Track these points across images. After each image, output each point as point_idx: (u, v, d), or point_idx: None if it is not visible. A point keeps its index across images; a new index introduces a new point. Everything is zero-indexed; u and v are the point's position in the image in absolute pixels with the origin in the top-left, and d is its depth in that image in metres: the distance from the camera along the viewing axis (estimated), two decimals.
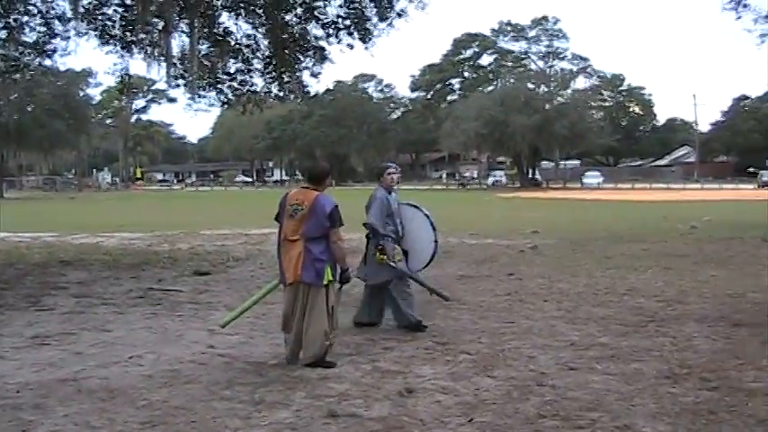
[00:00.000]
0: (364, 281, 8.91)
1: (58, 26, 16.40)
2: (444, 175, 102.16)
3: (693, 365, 7.02)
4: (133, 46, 16.41)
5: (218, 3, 16.43)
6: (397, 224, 8.77)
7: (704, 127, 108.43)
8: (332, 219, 7.14)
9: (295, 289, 7.22)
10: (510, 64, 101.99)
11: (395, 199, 8.86)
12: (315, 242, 7.12)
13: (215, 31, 16.72)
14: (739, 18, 23.94)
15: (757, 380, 6.53)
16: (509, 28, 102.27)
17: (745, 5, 23.47)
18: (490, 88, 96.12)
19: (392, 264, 8.57)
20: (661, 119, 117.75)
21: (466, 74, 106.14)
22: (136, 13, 15.48)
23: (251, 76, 17.49)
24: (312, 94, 19.31)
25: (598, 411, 5.77)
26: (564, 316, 9.59)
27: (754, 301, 10.44)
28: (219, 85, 17.58)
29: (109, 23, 16.14)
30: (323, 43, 16.83)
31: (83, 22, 15.82)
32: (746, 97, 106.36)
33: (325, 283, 7.12)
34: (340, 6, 16.47)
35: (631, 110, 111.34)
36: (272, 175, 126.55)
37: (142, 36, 15.93)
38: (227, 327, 7.89)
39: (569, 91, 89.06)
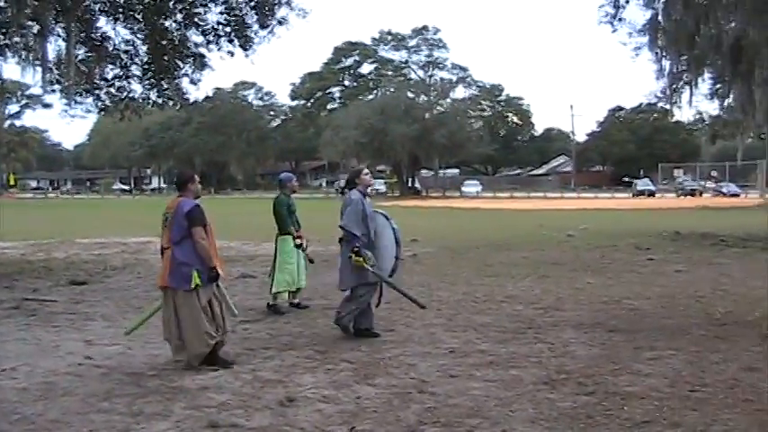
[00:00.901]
0: (342, 290, 9.02)
1: None
2: (324, 183, 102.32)
3: (571, 371, 7.27)
4: (7, 49, 15.89)
5: (96, 7, 16.05)
6: (370, 229, 8.83)
7: (581, 137, 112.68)
8: (190, 218, 7.23)
9: (167, 295, 7.36)
10: (390, 73, 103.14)
11: (369, 203, 8.94)
12: (180, 246, 7.23)
13: (92, 35, 16.37)
14: (615, 31, 25.15)
15: (632, 384, 6.82)
16: (390, 37, 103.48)
17: (620, 19, 24.66)
18: (370, 97, 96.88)
19: (369, 267, 8.66)
20: (539, 129, 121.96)
21: (346, 82, 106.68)
22: (9, 15, 14.91)
23: (129, 83, 17.30)
24: (191, 101, 19.09)
25: (478, 418, 5.90)
26: (444, 324, 9.76)
27: (629, 308, 10.91)
28: (97, 91, 17.27)
29: None
30: (203, 50, 16.79)
31: None
32: (621, 108, 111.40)
33: (192, 286, 7.18)
34: (221, 13, 16.35)
35: (510, 120, 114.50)
36: (150, 182, 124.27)
37: (16, 40, 15.39)
38: (131, 333, 7.96)
39: (449, 100, 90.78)
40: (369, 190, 9.13)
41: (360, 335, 8.89)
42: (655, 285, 12.99)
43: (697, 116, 43.45)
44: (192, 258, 7.22)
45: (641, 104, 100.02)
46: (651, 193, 76.79)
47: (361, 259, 8.62)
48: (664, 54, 23.27)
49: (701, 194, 75.55)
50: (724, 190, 76.42)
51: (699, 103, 67.83)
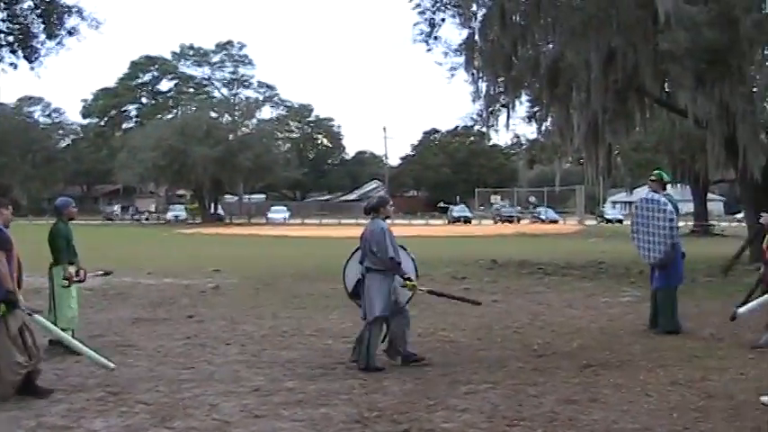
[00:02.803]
0: (363, 319, 9.34)
1: None
2: (118, 209, 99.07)
3: (384, 408, 7.40)
4: None
5: None
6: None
7: (394, 161, 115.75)
8: None
9: None
10: (192, 90, 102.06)
11: None
12: None
13: None
14: (430, 50, 26.05)
15: (448, 420, 7.02)
16: (191, 52, 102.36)
17: (435, 38, 25.60)
18: (170, 116, 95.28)
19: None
20: (350, 152, 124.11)
21: (143, 100, 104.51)
22: None
23: None
24: None
25: None
26: (248, 360, 9.70)
27: (444, 340, 11.25)
28: None
29: None
30: None
31: None
32: (437, 131, 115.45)
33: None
34: (2, 21, 15.61)
35: (320, 142, 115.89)
36: None
37: None
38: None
39: (255, 121, 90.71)
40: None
41: (410, 359, 9.40)
42: (471, 316, 13.38)
43: (514, 140, 45.44)
44: None
45: (457, 127, 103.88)
46: (467, 220, 79.65)
47: (414, 283, 9.38)
48: (480, 75, 24.28)
49: (518, 221, 79.17)
50: (542, 216, 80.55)
51: (516, 127, 71.40)
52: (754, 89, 21.93)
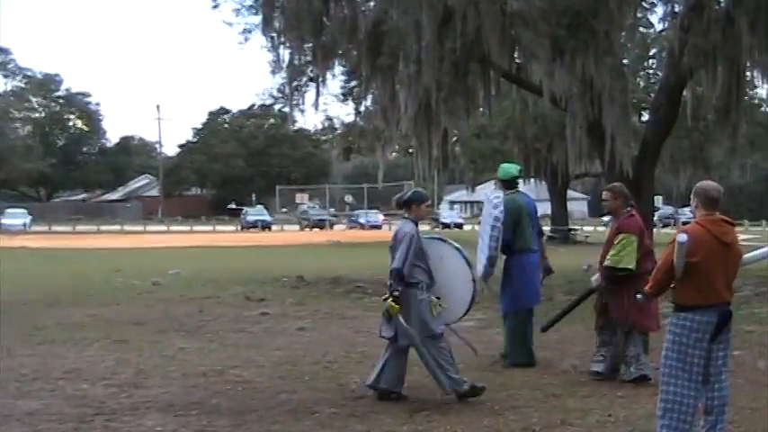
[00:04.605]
0: (388, 339, 9.91)
1: None
2: None
3: None
4: None
5: None
6: (429, 265, 9.82)
7: (171, 149, 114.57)
8: None
9: None
10: None
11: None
12: None
13: None
14: (217, 7, 25.68)
15: None
16: None
17: None
18: None
19: (434, 313, 9.78)
20: (113, 137, 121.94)
21: None
22: None
23: None
24: None
25: None
26: None
27: (236, 380, 11.15)
28: None
29: None
30: None
31: None
32: (226, 111, 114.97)
33: None
34: None
35: (72, 124, 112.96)
36: None
37: None
38: None
39: None
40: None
41: (471, 394, 9.75)
42: (271, 349, 13.40)
43: (326, 123, 45.60)
44: None
45: (253, 106, 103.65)
46: (266, 225, 79.73)
47: (396, 307, 9.56)
48: (282, 40, 24.21)
49: (332, 226, 79.87)
50: (362, 220, 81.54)
51: (328, 107, 71.73)
52: (625, 61, 22.81)
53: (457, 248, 10.25)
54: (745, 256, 7.83)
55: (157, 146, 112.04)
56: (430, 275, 9.89)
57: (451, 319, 10.25)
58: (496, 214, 11.58)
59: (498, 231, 11.52)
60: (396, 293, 9.60)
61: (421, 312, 9.70)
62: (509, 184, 12.38)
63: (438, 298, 9.87)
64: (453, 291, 10.12)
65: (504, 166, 12.69)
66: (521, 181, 13.28)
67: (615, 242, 10.71)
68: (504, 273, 12.25)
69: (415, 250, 9.70)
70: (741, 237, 10.21)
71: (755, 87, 34.19)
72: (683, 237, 7.24)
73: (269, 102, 41.38)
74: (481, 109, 26.81)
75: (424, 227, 65.10)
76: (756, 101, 39.60)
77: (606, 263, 10.75)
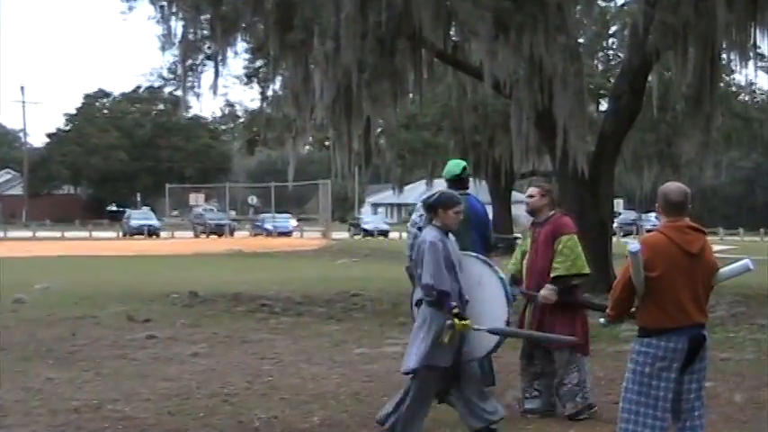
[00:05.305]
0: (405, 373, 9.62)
1: None
2: None
3: None
4: None
5: None
6: (460, 282, 9.49)
7: (38, 139, 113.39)
8: None
9: None
10: None
11: (453, 243, 9.67)
12: None
13: None
14: None
15: None
16: None
17: None
18: None
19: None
20: None
21: None
22: None
23: None
24: None
25: None
26: None
27: (116, 417, 11.09)
28: None
29: None
30: None
31: None
32: (106, 94, 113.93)
33: None
34: None
35: None
36: None
37: None
38: None
39: None
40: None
41: None
42: (159, 379, 13.32)
43: (227, 110, 45.41)
44: None
45: (139, 89, 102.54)
46: (154, 231, 79.25)
47: (466, 321, 9.27)
48: (173, 10, 24.09)
49: (232, 233, 79.62)
50: (268, 226, 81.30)
51: (229, 90, 71.60)
52: (580, 40, 22.97)
53: (500, 278, 9.98)
54: (721, 270, 7.77)
55: (21, 135, 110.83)
56: (459, 293, 9.59)
57: (474, 354, 9.97)
58: (414, 218, 11.71)
59: (412, 238, 11.63)
60: (455, 310, 9.33)
61: (432, 338, 9.43)
62: (454, 184, 12.43)
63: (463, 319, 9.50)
64: (484, 324, 9.75)
65: (449, 163, 12.76)
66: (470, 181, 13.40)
67: (558, 247, 10.83)
68: None
69: (442, 258, 9.45)
70: (716, 248, 10.37)
71: (732, 72, 34.72)
72: (634, 246, 7.26)
73: (158, 84, 41.05)
74: (411, 95, 26.88)
75: (341, 234, 65.30)
76: (734, 88, 40.08)
77: (555, 273, 10.83)
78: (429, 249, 9.45)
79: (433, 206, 9.79)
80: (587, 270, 10.81)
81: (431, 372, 9.36)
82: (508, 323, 9.88)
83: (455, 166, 12.64)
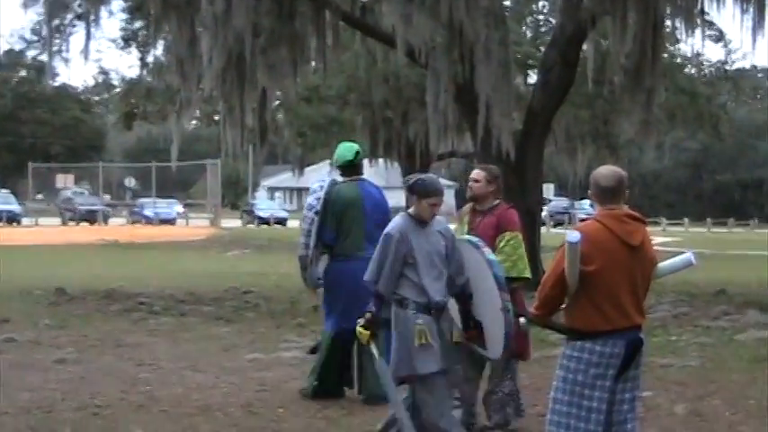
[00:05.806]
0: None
1: None
2: None
3: None
4: None
5: None
6: (431, 277, 9.31)
7: None
8: None
9: None
10: None
11: (446, 229, 9.60)
12: None
13: None
14: None
15: None
16: None
17: None
18: None
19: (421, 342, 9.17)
20: None
21: None
22: None
23: None
24: None
25: None
26: None
27: None
28: None
29: None
30: None
31: None
32: None
33: None
34: None
35: None
36: None
37: None
38: None
39: None
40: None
41: None
42: (18, 389, 13.20)
43: (101, 78, 45.19)
44: None
45: None
46: (14, 218, 78.81)
47: (366, 332, 9.29)
48: None
49: (106, 220, 79.43)
50: (149, 212, 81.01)
51: (103, 56, 71.12)
52: (506, 3, 23.10)
53: (488, 261, 9.59)
54: (661, 265, 7.74)
55: None
56: (427, 293, 9.36)
57: (493, 355, 9.75)
58: (310, 201, 11.75)
59: (309, 224, 11.64)
60: (368, 314, 9.35)
61: (400, 342, 9.31)
62: (346, 170, 12.45)
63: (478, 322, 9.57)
64: (487, 318, 9.53)
65: (341, 147, 12.75)
66: (365, 165, 13.41)
67: (500, 244, 10.69)
68: (324, 284, 12.52)
69: (399, 256, 9.28)
70: (657, 240, 10.43)
71: (677, 42, 35.02)
72: (574, 235, 7.08)
73: (19, 47, 40.81)
74: (313, 64, 26.87)
75: (233, 222, 65.43)
76: (678, 60, 40.48)
77: None
78: (381, 241, 9.43)
79: (411, 190, 9.54)
80: (528, 274, 10.72)
81: (414, 380, 9.42)
82: (507, 311, 9.36)
83: (347, 150, 12.63)
